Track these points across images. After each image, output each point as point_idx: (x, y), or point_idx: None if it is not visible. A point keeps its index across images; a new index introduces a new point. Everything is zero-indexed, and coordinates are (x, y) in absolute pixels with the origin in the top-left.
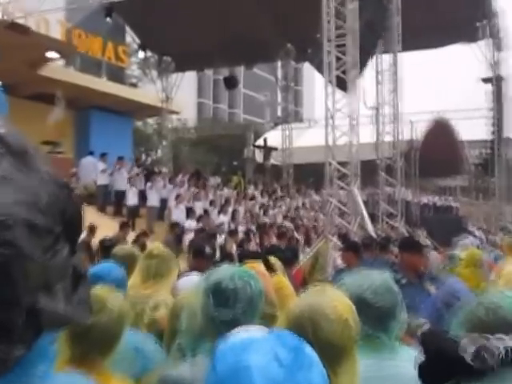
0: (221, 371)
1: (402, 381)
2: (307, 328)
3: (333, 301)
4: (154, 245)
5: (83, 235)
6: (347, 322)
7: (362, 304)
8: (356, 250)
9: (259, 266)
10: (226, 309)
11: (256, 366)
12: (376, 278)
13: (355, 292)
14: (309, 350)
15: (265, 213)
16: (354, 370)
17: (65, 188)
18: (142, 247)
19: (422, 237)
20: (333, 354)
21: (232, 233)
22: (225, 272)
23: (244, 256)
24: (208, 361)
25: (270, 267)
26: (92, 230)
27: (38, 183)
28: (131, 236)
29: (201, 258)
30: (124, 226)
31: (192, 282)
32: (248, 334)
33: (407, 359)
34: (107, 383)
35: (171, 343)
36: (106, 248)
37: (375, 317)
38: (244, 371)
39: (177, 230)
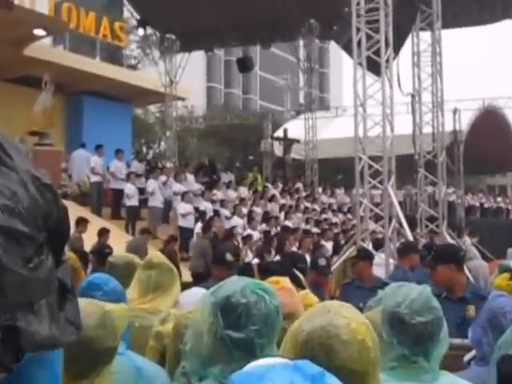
0: None
1: None
2: (319, 354)
3: (344, 318)
4: (154, 253)
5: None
6: (364, 342)
7: (395, 321)
8: (371, 260)
9: (284, 280)
10: (238, 328)
11: None
12: (412, 292)
13: (389, 307)
14: (330, 378)
15: (286, 215)
16: None
17: (49, 189)
18: (170, 256)
19: (469, 244)
20: (352, 381)
21: (247, 238)
22: (234, 285)
23: (264, 267)
24: None
25: (296, 281)
26: (102, 234)
27: (16, 184)
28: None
29: (220, 266)
30: (145, 232)
31: (196, 297)
32: (264, 362)
33: None
34: None
35: (175, 366)
36: (103, 256)
37: (412, 336)
38: None
39: (210, 233)
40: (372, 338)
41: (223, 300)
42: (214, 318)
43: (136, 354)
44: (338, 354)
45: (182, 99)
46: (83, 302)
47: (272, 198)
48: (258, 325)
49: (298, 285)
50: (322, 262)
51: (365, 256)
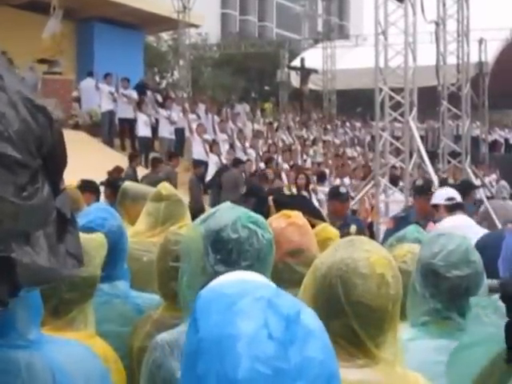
0: (204, 333)
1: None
2: (337, 288)
3: (365, 252)
4: (162, 184)
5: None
6: (383, 277)
7: (429, 273)
8: (428, 195)
9: (297, 215)
10: (228, 264)
11: (243, 335)
12: (451, 242)
13: (424, 257)
14: (307, 316)
15: (302, 148)
16: (398, 342)
17: (42, 112)
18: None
19: (503, 183)
20: (371, 317)
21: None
22: (225, 217)
23: (280, 201)
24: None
25: (315, 214)
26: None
27: (4, 104)
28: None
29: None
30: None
31: None
32: (238, 280)
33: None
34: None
35: (165, 286)
36: (116, 189)
37: (446, 290)
38: (228, 341)
39: (199, 169)
40: (393, 274)
41: (214, 234)
42: (204, 252)
43: (137, 293)
44: (355, 288)
45: (196, 26)
46: None
47: (287, 130)
48: (250, 260)
49: (319, 217)
50: (343, 189)
51: (421, 191)
